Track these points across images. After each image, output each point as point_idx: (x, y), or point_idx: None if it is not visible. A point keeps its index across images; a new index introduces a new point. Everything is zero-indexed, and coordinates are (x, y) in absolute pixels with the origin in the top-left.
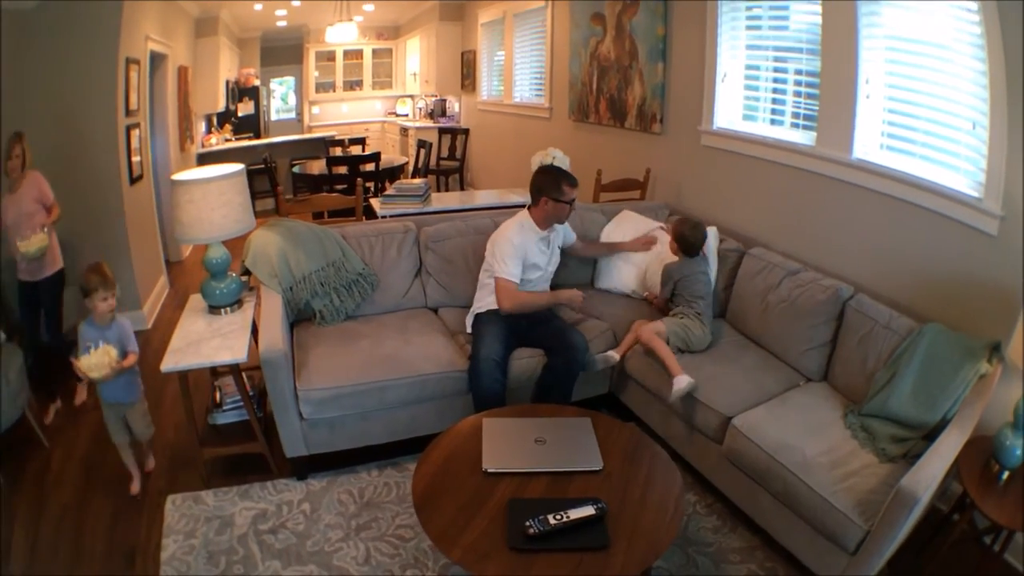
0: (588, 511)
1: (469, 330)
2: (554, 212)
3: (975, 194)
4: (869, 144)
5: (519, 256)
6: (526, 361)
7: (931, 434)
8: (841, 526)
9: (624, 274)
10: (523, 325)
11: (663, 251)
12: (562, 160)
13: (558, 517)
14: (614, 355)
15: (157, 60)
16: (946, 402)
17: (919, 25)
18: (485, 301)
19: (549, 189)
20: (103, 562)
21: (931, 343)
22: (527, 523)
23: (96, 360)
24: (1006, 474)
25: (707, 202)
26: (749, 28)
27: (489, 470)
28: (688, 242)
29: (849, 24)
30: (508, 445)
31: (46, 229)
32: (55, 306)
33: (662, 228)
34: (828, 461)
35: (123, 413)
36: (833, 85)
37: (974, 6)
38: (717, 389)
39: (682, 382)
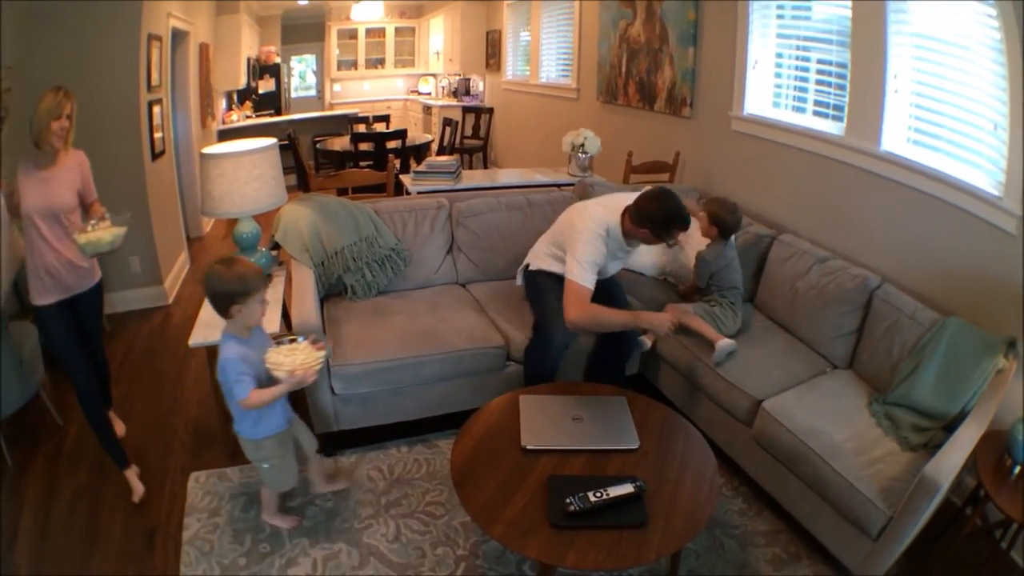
0: (627, 489)
1: (520, 282)
2: (646, 240)
3: (996, 192)
4: (897, 137)
5: (598, 261)
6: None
7: (950, 425)
8: (866, 511)
9: (653, 255)
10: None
11: (692, 233)
12: (593, 141)
13: (598, 494)
14: (646, 341)
15: (179, 37)
16: (966, 394)
17: (944, 24)
18: (542, 258)
19: (657, 226)
20: (121, 543)
21: (953, 336)
22: (567, 500)
23: (305, 359)
24: (1018, 468)
25: (736, 186)
26: (778, 16)
27: (528, 447)
28: (727, 225)
29: (878, 20)
30: (546, 423)
31: (108, 216)
32: (100, 323)
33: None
34: (854, 447)
35: (293, 433)
36: (862, 78)
37: (993, 10)
38: (747, 372)
39: (725, 344)
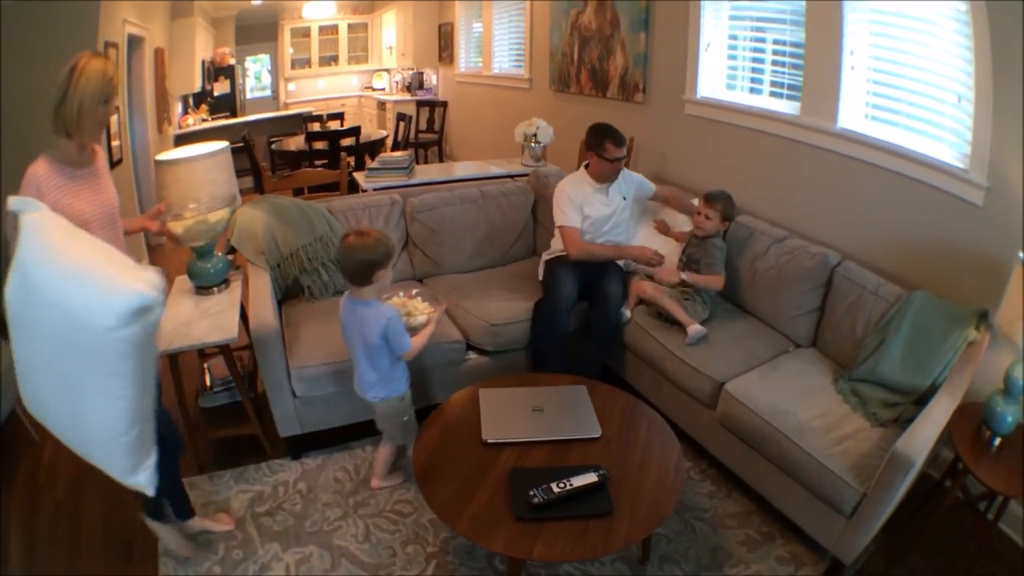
0: (591, 478)
1: (541, 277)
2: (600, 169)
3: (960, 165)
4: (854, 114)
5: (575, 204)
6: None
7: (921, 399)
8: (837, 489)
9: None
10: (591, 271)
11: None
12: (545, 130)
13: (561, 485)
14: (626, 312)
15: (134, 43)
16: (935, 368)
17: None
18: (555, 248)
19: (594, 146)
20: (101, 556)
21: (919, 310)
22: (531, 492)
23: (419, 306)
24: (998, 440)
25: (691, 170)
26: None
27: (489, 441)
28: (732, 216)
29: None
30: (506, 415)
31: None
32: None
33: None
34: (822, 425)
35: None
36: (817, 56)
37: None
38: (709, 355)
39: (696, 330)
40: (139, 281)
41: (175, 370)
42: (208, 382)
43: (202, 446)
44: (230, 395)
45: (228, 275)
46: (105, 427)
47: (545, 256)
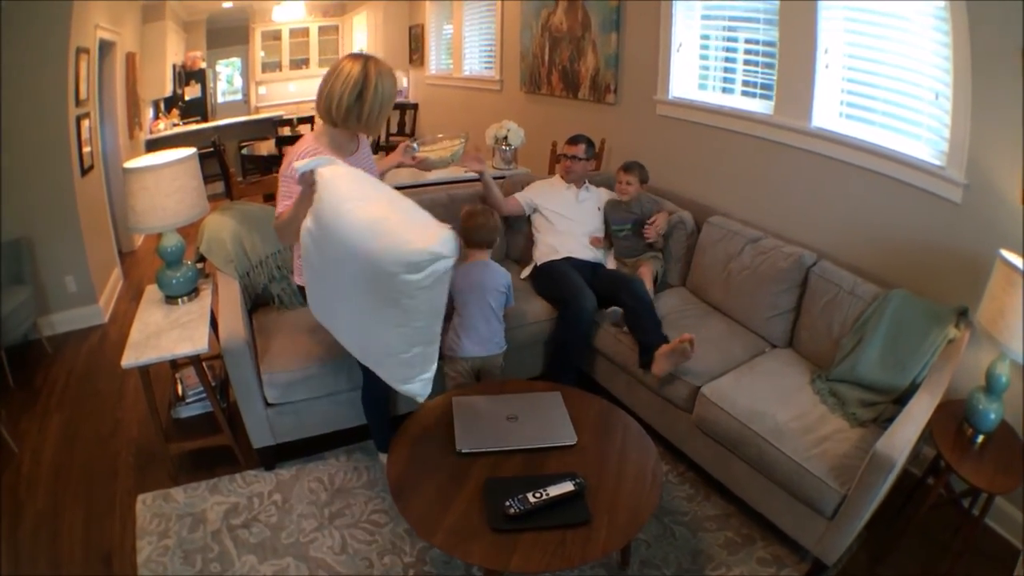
0: (567, 487)
1: (532, 285)
2: (559, 166)
3: (937, 162)
4: (828, 113)
5: (534, 193)
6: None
7: (900, 398)
8: (818, 491)
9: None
10: (587, 273)
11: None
12: (516, 132)
13: (537, 495)
14: (617, 308)
15: (105, 48)
16: (915, 367)
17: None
18: (542, 251)
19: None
20: (82, 568)
21: (897, 309)
22: (507, 503)
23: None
24: (981, 437)
25: (664, 171)
26: None
27: (463, 451)
28: (646, 180)
29: None
30: (480, 424)
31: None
32: None
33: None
34: (800, 427)
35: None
36: (791, 55)
37: None
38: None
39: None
40: (427, 238)
41: (146, 380)
42: (181, 392)
43: (176, 457)
44: (203, 405)
45: (197, 284)
46: (385, 345)
47: (539, 261)
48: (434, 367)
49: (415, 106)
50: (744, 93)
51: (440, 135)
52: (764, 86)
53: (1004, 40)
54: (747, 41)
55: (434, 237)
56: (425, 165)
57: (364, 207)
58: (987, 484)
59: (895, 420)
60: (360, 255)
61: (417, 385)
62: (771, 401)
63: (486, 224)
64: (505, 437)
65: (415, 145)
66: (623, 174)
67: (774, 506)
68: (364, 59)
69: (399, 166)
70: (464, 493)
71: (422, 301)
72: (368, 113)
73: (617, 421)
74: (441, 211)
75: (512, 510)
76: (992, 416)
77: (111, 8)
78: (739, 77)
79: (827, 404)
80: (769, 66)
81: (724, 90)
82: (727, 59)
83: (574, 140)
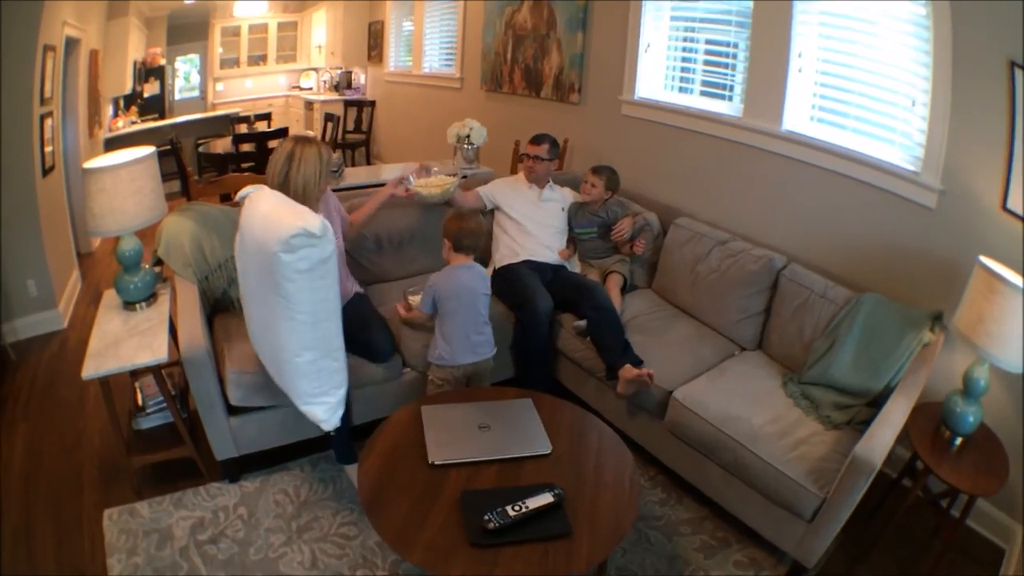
0: (546, 499)
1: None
2: (523, 166)
3: (912, 168)
4: (799, 116)
5: (496, 190)
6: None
7: (874, 401)
8: (796, 495)
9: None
10: (548, 275)
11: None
12: (479, 131)
13: (517, 508)
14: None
15: (71, 45)
16: (889, 370)
17: (854, 4)
18: (502, 254)
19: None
20: None
21: (870, 312)
22: (485, 517)
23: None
24: (959, 440)
25: (628, 172)
26: None
27: (436, 462)
28: (615, 188)
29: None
30: (452, 434)
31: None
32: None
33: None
34: (775, 431)
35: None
36: (763, 58)
37: None
38: (654, 362)
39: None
40: (301, 221)
41: (107, 391)
42: (141, 402)
43: (139, 470)
44: (164, 416)
45: (156, 288)
46: (281, 347)
47: (495, 263)
48: (340, 395)
49: (373, 103)
50: (711, 95)
51: (436, 168)
52: (733, 88)
53: (987, 48)
54: (716, 43)
55: (308, 220)
56: (417, 199)
57: (265, 208)
58: (969, 486)
59: (872, 423)
60: (258, 245)
61: (320, 408)
62: (745, 405)
63: (479, 228)
64: (478, 447)
65: (410, 177)
66: (591, 175)
67: (750, 510)
68: (295, 140)
69: (391, 197)
70: (440, 507)
71: (302, 287)
72: (293, 190)
73: (591, 428)
74: (403, 213)
75: (491, 524)
76: (970, 419)
77: (78, 4)
78: (706, 79)
79: (800, 407)
80: (730, 67)
81: (691, 91)
82: (696, 60)
83: (537, 140)
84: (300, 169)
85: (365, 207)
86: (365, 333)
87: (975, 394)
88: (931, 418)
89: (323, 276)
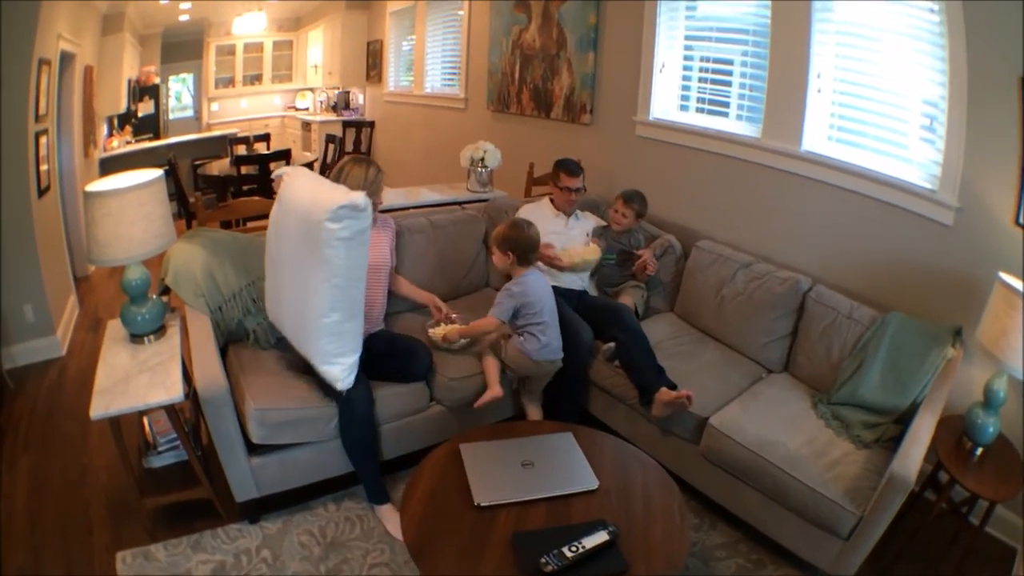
0: (602, 537)
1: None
2: (559, 198)
3: (929, 186)
4: (818, 136)
5: (527, 217)
6: None
7: (901, 418)
8: (835, 515)
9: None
10: (573, 301)
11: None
12: (493, 154)
13: (573, 548)
14: (611, 346)
15: (66, 60)
16: (916, 387)
17: (870, 17)
18: None
19: (554, 176)
20: None
21: (896, 331)
22: (543, 560)
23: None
24: (980, 450)
25: (644, 193)
26: (687, 17)
27: (482, 504)
28: (644, 214)
29: (802, 19)
30: (495, 473)
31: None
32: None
33: None
34: (811, 452)
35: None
36: (781, 78)
37: (936, 6)
38: (687, 388)
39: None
40: (347, 196)
41: (116, 430)
42: (151, 438)
43: (151, 511)
44: (177, 454)
45: (164, 320)
46: (313, 307)
47: None
48: (355, 359)
49: (372, 124)
50: (712, 112)
51: (455, 315)
52: (752, 109)
53: (1000, 65)
54: (715, 60)
55: (353, 195)
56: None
57: (308, 183)
58: (991, 493)
59: (902, 440)
60: (301, 215)
61: (337, 368)
62: (780, 428)
63: (538, 237)
64: (524, 486)
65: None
66: (622, 204)
67: (786, 531)
68: (350, 159)
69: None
70: (492, 550)
71: (341, 254)
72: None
73: (634, 460)
74: (421, 238)
75: (549, 567)
76: (991, 430)
77: (74, 17)
78: (694, 95)
79: (831, 427)
80: (757, 89)
81: (698, 110)
82: (712, 80)
83: (573, 171)
84: (346, 183)
85: (408, 287)
86: (403, 345)
87: (995, 405)
88: (953, 431)
89: (360, 244)
